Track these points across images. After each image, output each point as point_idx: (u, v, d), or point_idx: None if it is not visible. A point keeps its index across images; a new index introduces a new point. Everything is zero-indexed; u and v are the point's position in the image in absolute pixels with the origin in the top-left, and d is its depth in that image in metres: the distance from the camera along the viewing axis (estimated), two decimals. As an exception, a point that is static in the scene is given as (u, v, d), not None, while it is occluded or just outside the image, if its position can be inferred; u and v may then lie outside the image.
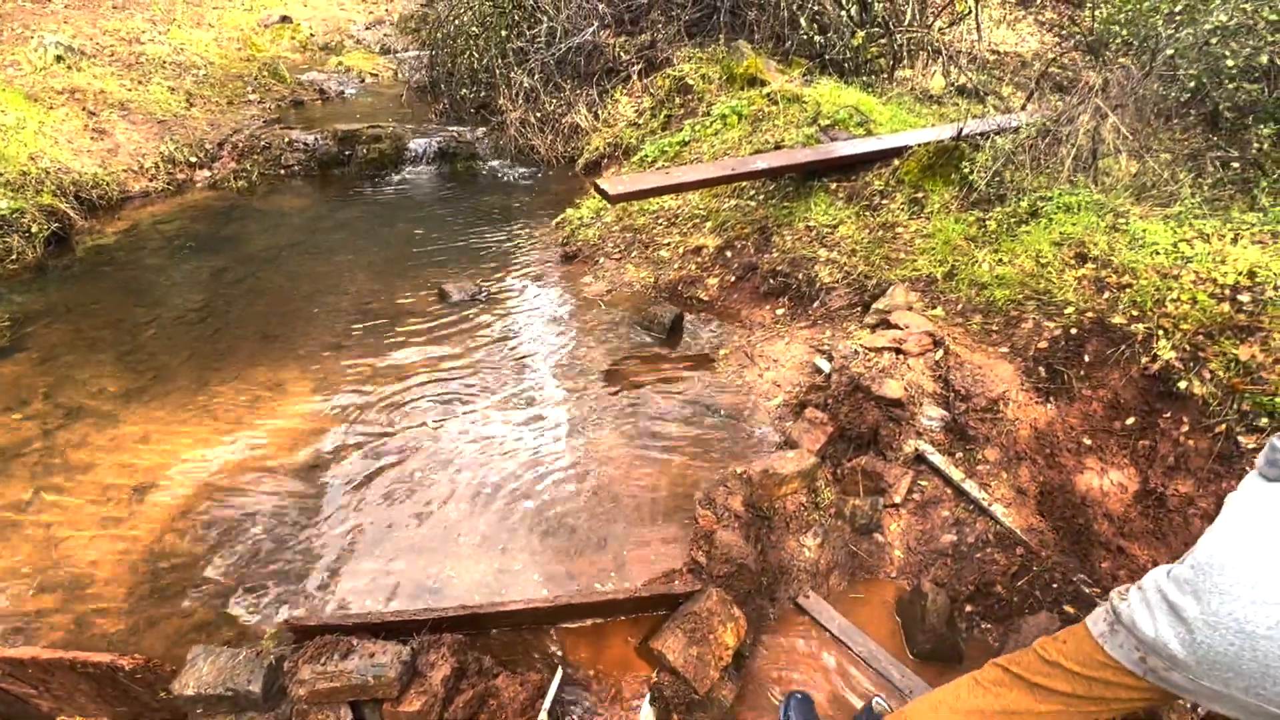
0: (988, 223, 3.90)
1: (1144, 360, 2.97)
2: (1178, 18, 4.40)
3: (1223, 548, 1.38)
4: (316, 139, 6.83)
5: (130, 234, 5.52)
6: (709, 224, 4.96)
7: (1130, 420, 2.92)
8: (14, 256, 4.86)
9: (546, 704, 2.05)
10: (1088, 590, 2.62)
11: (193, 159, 6.54)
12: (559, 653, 2.34)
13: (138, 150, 6.36)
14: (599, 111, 7.03)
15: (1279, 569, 1.31)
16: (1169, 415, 2.81)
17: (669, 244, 4.94)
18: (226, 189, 6.42)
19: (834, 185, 4.73)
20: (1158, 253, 3.33)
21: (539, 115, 7.13)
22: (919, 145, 4.54)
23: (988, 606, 2.67)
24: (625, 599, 2.41)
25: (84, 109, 6.41)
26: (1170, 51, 4.24)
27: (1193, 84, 4.21)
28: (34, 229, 5.00)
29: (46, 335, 4.20)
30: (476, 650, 2.23)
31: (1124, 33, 4.65)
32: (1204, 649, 1.36)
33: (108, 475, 3.22)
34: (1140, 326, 3.05)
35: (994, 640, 2.58)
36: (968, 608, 2.68)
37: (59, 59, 6.87)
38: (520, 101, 7.18)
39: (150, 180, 6.22)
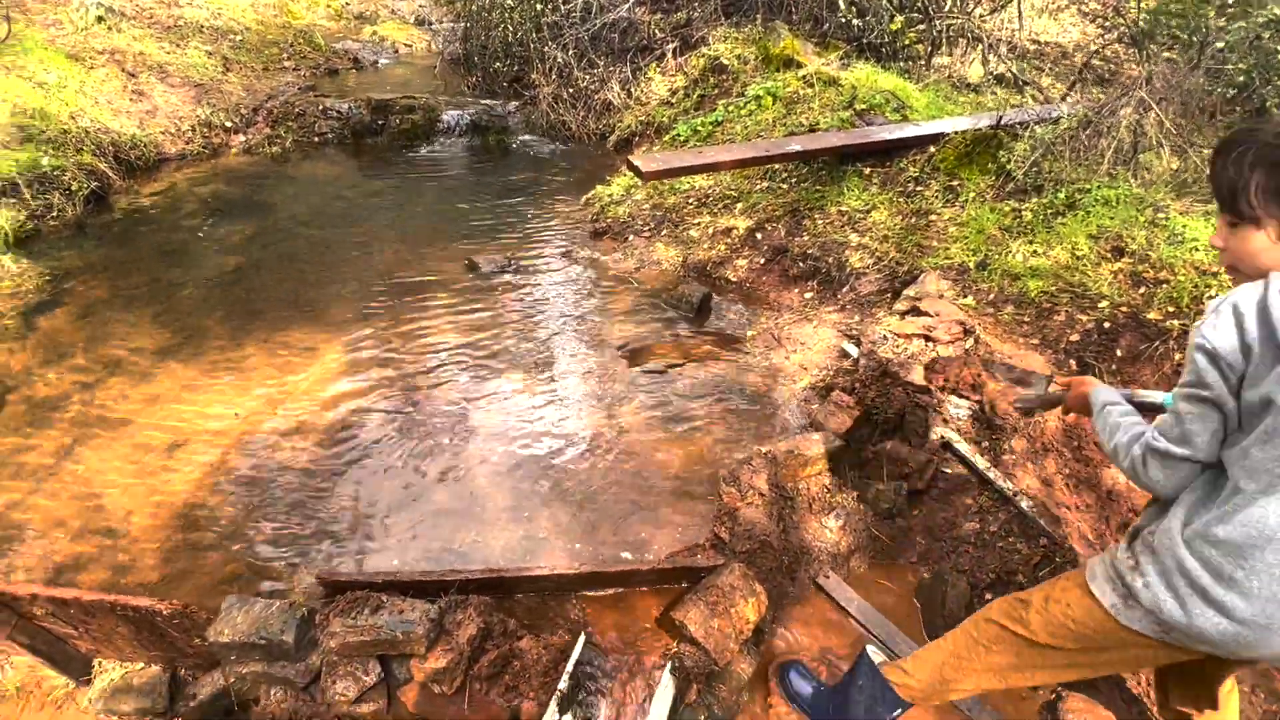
0: (1024, 213, 3.86)
1: (1178, 357, 2.95)
2: (1229, 10, 4.30)
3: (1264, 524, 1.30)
4: (350, 108, 6.86)
5: (166, 195, 5.59)
6: (740, 205, 4.94)
7: (1161, 416, 2.89)
8: (55, 213, 4.94)
9: (569, 667, 2.09)
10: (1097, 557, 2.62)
11: (228, 124, 6.60)
12: (581, 619, 2.37)
13: (175, 113, 6.42)
14: (632, 89, 7.00)
15: None
16: (1201, 413, 2.78)
17: (699, 224, 4.93)
18: (260, 154, 6.47)
19: (868, 170, 4.70)
20: (1197, 249, 3.29)
21: (571, 91, 7.11)
22: (956, 133, 4.49)
23: (1006, 593, 2.67)
24: (648, 570, 2.44)
25: (123, 70, 6.48)
26: (1221, 45, 4.16)
27: (1241, 79, 4.13)
28: (74, 187, 5.08)
29: (85, 291, 4.28)
30: (501, 613, 2.27)
31: (1173, 24, 4.55)
32: (1248, 637, 1.33)
33: (143, 430, 3.29)
34: (1176, 323, 3.02)
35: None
36: (988, 595, 2.69)
37: (100, 19, 6.93)
38: (553, 77, 7.16)
39: (186, 143, 6.29)
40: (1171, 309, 3.08)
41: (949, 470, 2.99)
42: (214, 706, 2.19)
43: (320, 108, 6.85)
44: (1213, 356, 1.29)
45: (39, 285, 4.28)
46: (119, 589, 2.53)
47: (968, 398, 3.05)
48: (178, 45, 7.25)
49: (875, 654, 2.16)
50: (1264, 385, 1.25)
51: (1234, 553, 1.32)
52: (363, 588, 2.20)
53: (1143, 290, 3.22)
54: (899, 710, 1.99)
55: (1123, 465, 1.51)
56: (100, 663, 2.33)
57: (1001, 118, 4.43)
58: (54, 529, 2.82)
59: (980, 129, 4.45)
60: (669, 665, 2.13)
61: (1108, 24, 8.66)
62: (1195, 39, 4.45)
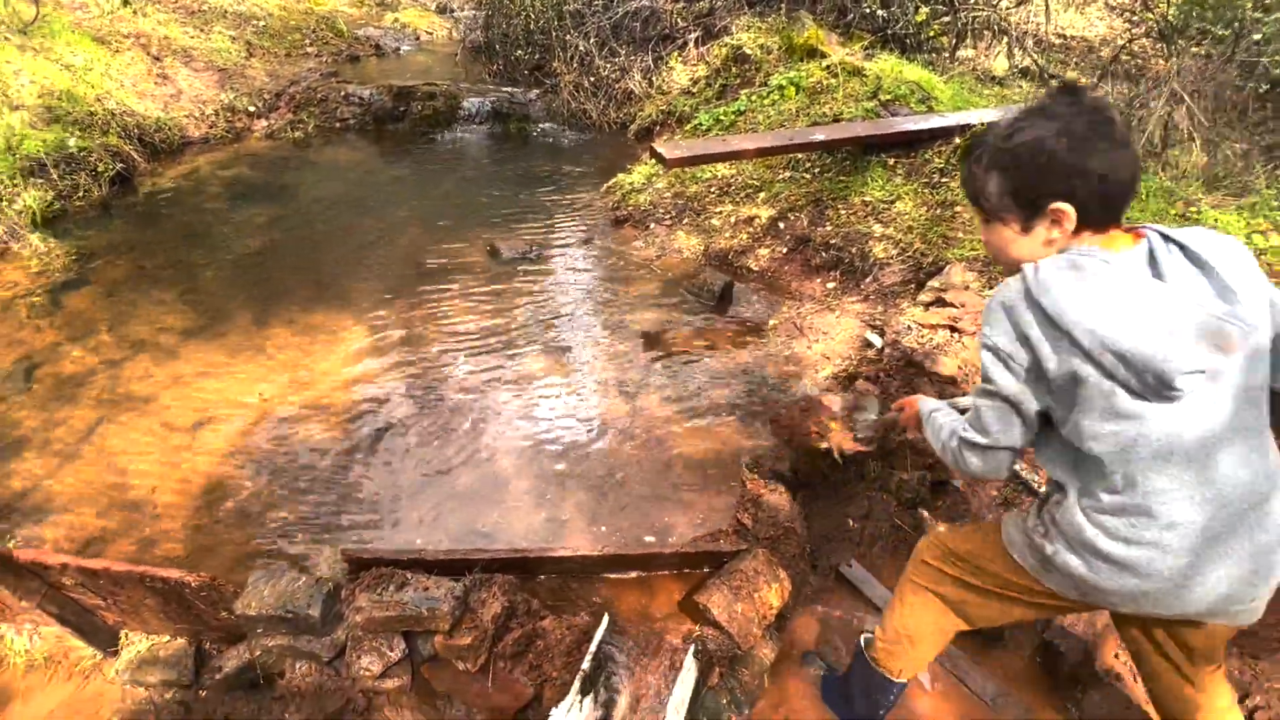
0: (1052, 205, 3.82)
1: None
2: (1266, 1, 4.23)
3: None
4: (372, 94, 6.87)
5: (190, 178, 5.63)
6: (762, 195, 4.92)
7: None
8: (81, 194, 4.98)
9: (593, 648, 2.08)
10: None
11: (251, 108, 6.63)
12: (604, 601, 2.37)
13: (199, 97, 6.46)
14: (653, 78, 6.97)
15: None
16: (1232, 407, 2.74)
17: (721, 213, 4.91)
18: (283, 139, 6.50)
19: (892, 161, 4.66)
20: (1230, 243, 3.24)
21: (593, 80, 7.09)
22: (982, 124, 4.44)
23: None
24: (671, 554, 2.44)
25: (149, 54, 6.52)
26: (1258, 37, 4.09)
27: (1278, 71, 4.06)
28: (100, 168, 5.12)
29: (110, 271, 4.32)
30: (525, 593, 2.28)
31: (1209, 16, 4.48)
32: (1153, 592, 1.37)
33: (167, 408, 3.32)
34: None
35: (1036, 621, 2.56)
36: (1011, 587, 2.67)
37: (125, 3, 6.98)
38: (574, 65, 7.14)
39: (210, 127, 6.32)
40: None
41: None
42: (239, 679, 2.20)
43: (342, 94, 6.87)
44: (995, 353, 1.37)
45: (66, 264, 4.32)
46: (146, 562, 2.55)
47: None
48: (202, 30, 7.29)
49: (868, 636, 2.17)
50: (1062, 362, 1.29)
51: (1122, 514, 1.35)
52: (388, 564, 2.21)
53: (1173, 284, 3.18)
54: (894, 692, 2.00)
55: (946, 459, 1.59)
56: (127, 634, 2.35)
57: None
58: (81, 503, 2.85)
59: (1007, 120, 4.40)
60: (692, 648, 2.12)
61: (1135, 18, 8.56)
62: (1230, 31, 4.38)
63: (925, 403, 1.80)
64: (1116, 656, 2.31)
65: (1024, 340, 1.33)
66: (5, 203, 4.50)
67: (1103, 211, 1.33)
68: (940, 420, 1.66)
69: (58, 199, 4.83)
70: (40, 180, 4.78)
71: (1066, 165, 1.30)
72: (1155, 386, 1.24)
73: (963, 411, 1.70)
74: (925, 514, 2.81)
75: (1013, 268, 1.41)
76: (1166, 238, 1.34)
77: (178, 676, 2.23)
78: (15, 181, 4.64)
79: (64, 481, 2.94)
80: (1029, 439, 1.44)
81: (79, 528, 2.74)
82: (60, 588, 2.18)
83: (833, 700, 2.23)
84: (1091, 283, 1.27)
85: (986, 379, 1.41)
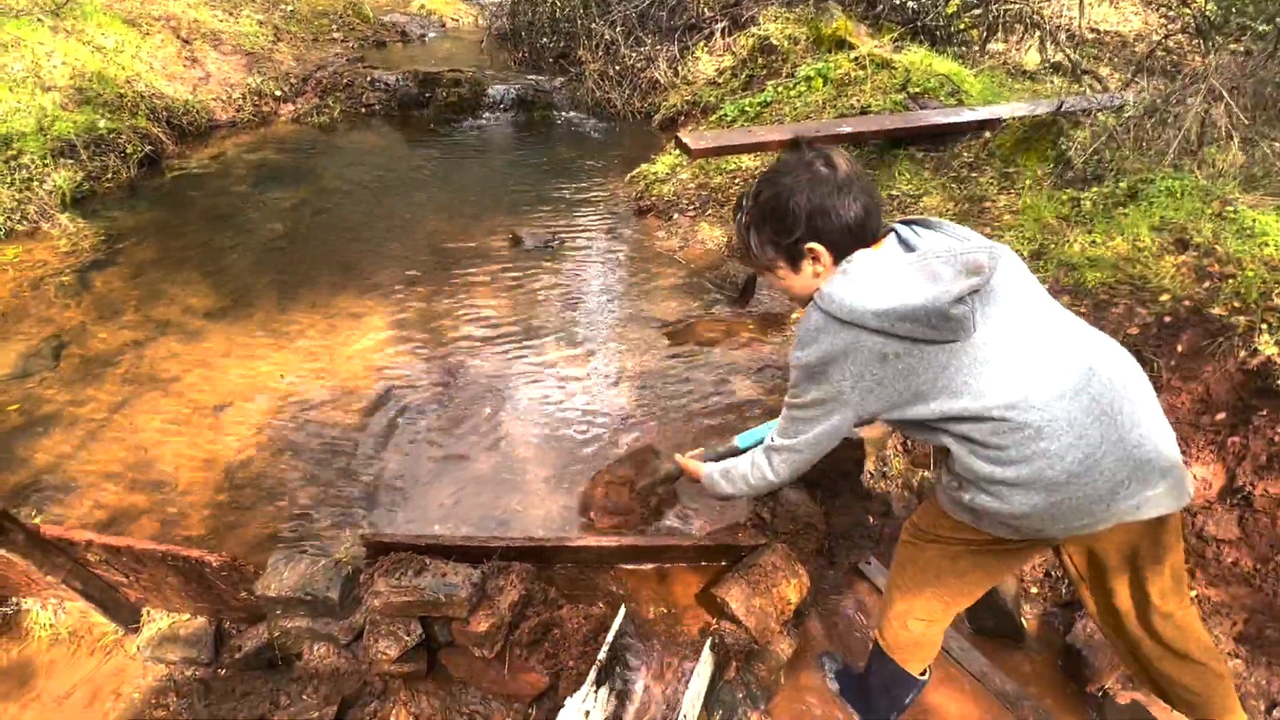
0: (1083, 202, 3.75)
1: (1242, 354, 2.85)
2: (1311, -3, 4.12)
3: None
4: (398, 80, 6.88)
5: (217, 161, 5.67)
6: (787, 187, 4.87)
7: (1221, 415, 2.81)
8: (110, 175, 5.03)
9: (609, 638, 2.08)
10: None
11: (278, 92, 6.66)
12: (621, 592, 2.37)
13: (226, 80, 6.50)
14: (679, 68, 6.92)
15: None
16: (1266, 413, 2.69)
17: (744, 205, 4.87)
18: (309, 124, 6.53)
19: (920, 155, 4.60)
20: (1267, 244, 3.17)
21: (618, 68, 7.05)
22: (1013, 118, 4.38)
23: (1054, 590, 2.62)
24: (689, 546, 2.43)
25: (178, 36, 6.57)
26: (1301, 31, 3.98)
27: (1321, 68, 3.95)
28: (129, 150, 5.17)
29: (137, 252, 4.36)
30: (542, 581, 2.27)
31: (1249, 11, 4.37)
32: (1060, 505, 1.44)
33: (192, 389, 3.34)
34: (1242, 319, 2.91)
35: (1058, 623, 2.53)
36: (1033, 589, 2.64)
37: (156, -14, 7.02)
38: (600, 53, 7.11)
39: (237, 111, 6.36)
40: (1238, 304, 2.97)
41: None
42: (258, 659, 2.22)
43: (368, 79, 6.88)
44: (808, 369, 1.52)
45: (94, 244, 4.36)
46: (168, 540, 2.58)
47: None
48: (231, 14, 7.33)
49: None
50: (870, 352, 1.44)
51: (996, 442, 1.43)
52: (406, 549, 2.21)
53: (1207, 284, 3.11)
54: (914, 689, 1.99)
55: (746, 488, 1.83)
56: (148, 612, 2.38)
57: (1063, 103, 4.31)
58: (105, 481, 2.88)
59: (1039, 115, 4.33)
60: (709, 641, 2.11)
61: (1172, 13, 8.38)
62: (1272, 27, 4.27)
63: (706, 467, 2.01)
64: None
65: (831, 351, 1.47)
66: (36, 183, 4.55)
67: (851, 240, 1.51)
68: (724, 467, 1.91)
69: (87, 180, 4.88)
70: (70, 161, 4.83)
71: (804, 211, 1.50)
72: (942, 325, 1.38)
73: (724, 457, 2.06)
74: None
75: (804, 301, 1.59)
76: (907, 222, 1.57)
77: (198, 654, 2.26)
78: (46, 162, 4.70)
79: (89, 459, 2.97)
80: (829, 448, 1.63)
81: (103, 505, 2.78)
82: (85, 564, 2.20)
83: (852, 698, 2.21)
84: (859, 276, 1.45)
85: (800, 391, 1.57)
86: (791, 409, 1.62)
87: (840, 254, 1.52)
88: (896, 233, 1.55)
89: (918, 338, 1.40)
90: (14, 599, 2.41)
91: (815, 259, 1.55)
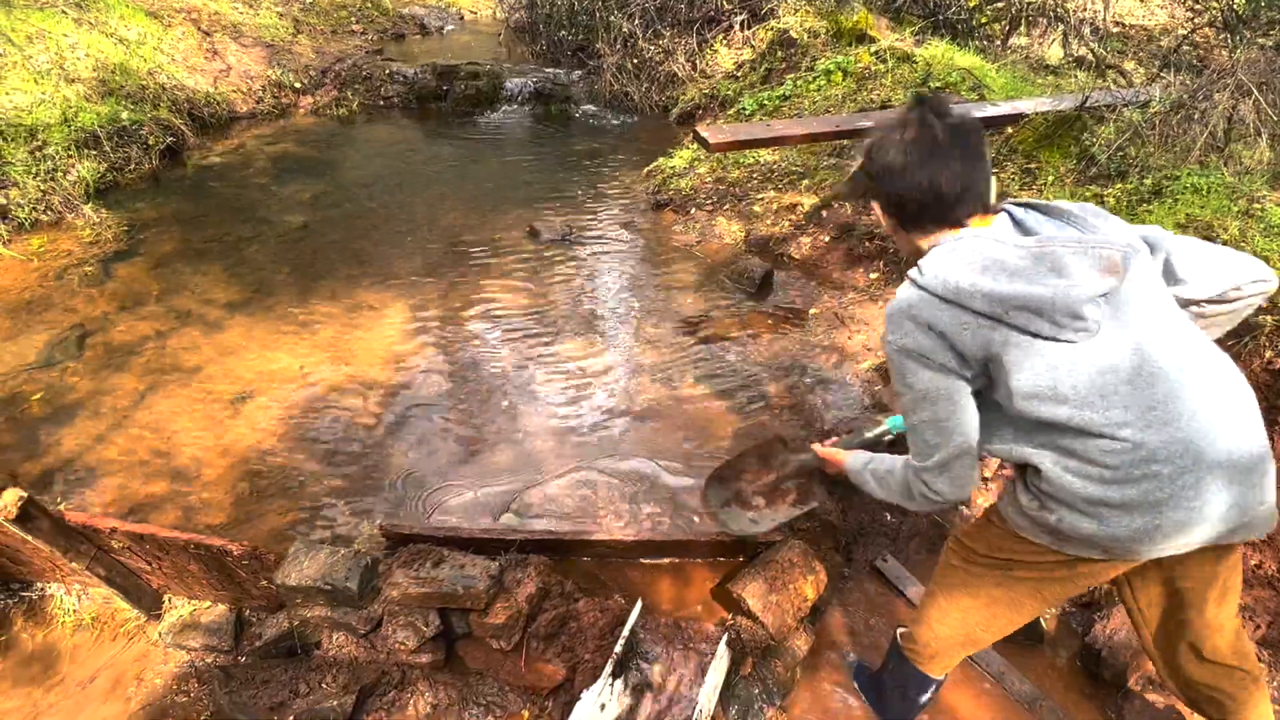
0: (1106, 199, 3.70)
1: (1269, 354, 2.81)
2: (1344, -10, 4.04)
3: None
4: (416, 72, 6.90)
5: (237, 153, 5.71)
6: (805, 182, 4.85)
7: (1246, 415, 2.77)
8: (132, 166, 5.08)
9: (626, 631, 2.08)
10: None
11: (297, 85, 6.69)
12: (638, 586, 2.37)
13: (247, 72, 6.54)
14: (697, 61, 6.89)
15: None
16: (1292, 413, 2.65)
17: (763, 199, 4.85)
18: (327, 116, 6.56)
19: (941, 150, 4.55)
20: (1295, 241, 3.12)
21: (636, 62, 7.03)
22: (1036, 114, 4.32)
23: (1074, 590, 2.59)
24: (705, 541, 2.43)
25: (199, 29, 6.61)
26: (1333, 27, 3.91)
27: (1353, 64, 3.88)
28: (151, 141, 5.22)
29: (159, 243, 4.40)
30: (560, 574, 2.28)
31: (1279, 5, 4.29)
32: (1158, 527, 1.34)
33: (213, 379, 3.38)
34: (1269, 319, 2.87)
35: (1076, 624, 2.51)
36: (1052, 589, 2.61)
37: (178, -22, 7.06)
38: (618, 46, 7.08)
39: (257, 103, 6.40)
40: (1264, 304, 2.92)
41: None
42: (278, 647, 2.24)
43: (386, 72, 6.91)
44: (907, 353, 1.40)
45: (117, 235, 4.41)
46: (189, 529, 2.60)
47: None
48: (251, 6, 7.37)
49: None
50: (975, 335, 1.33)
51: (1102, 458, 1.33)
52: (425, 540, 2.23)
53: (1233, 283, 3.07)
54: (930, 691, 1.97)
55: (909, 503, 1.61)
56: (170, 599, 2.41)
57: (1087, 99, 4.25)
58: (127, 469, 2.92)
59: (1062, 110, 4.27)
60: (725, 636, 2.11)
61: (1198, 7, 8.25)
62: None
63: (852, 459, 1.84)
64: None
65: (930, 330, 1.36)
66: (61, 174, 4.60)
67: (941, 208, 1.42)
68: (882, 466, 1.70)
69: (110, 171, 4.93)
70: (93, 152, 4.88)
71: (894, 167, 1.43)
72: (1067, 323, 1.28)
73: (888, 446, 1.78)
74: (963, 509, 2.77)
75: (911, 261, 1.48)
76: (1022, 204, 1.46)
77: (218, 642, 2.28)
78: (70, 153, 4.74)
79: (112, 448, 3.01)
80: (974, 429, 1.44)
81: (125, 493, 2.81)
82: (109, 551, 2.23)
83: (869, 694, 2.21)
84: (969, 253, 1.35)
85: (906, 385, 1.43)
86: (910, 418, 1.48)
87: (928, 221, 1.45)
88: (1010, 214, 1.44)
89: (1032, 330, 1.29)
90: (39, 584, 2.44)
91: (906, 221, 1.48)
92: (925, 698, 2.00)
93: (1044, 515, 1.43)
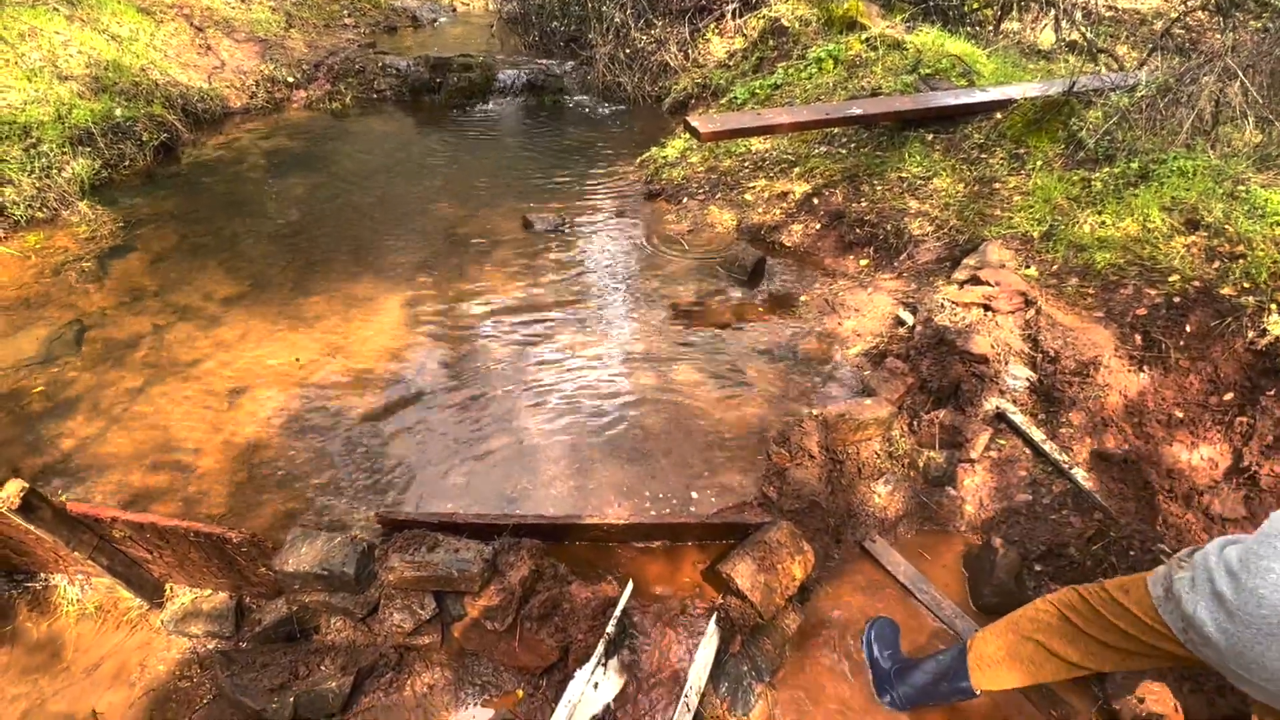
0: (1093, 183, 3.74)
1: (1251, 334, 2.85)
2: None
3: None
4: (409, 65, 6.91)
5: (231, 148, 5.73)
6: (797, 170, 4.87)
7: (1229, 395, 2.81)
8: (127, 163, 5.11)
9: (617, 613, 2.13)
10: (1166, 560, 2.57)
11: (290, 79, 6.71)
12: (629, 569, 2.42)
13: (240, 67, 6.55)
14: (689, 51, 6.91)
15: None
16: (1273, 393, 2.69)
17: (754, 188, 4.88)
18: (321, 109, 6.58)
19: (930, 136, 4.59)
20: (1279, 224, 3.16)
21: (628, 52, 7.05)
22: (1024, 99, 4.35)
23: (1058, 567, 2.64)
24: (696, 524, 2.47)
25: (192, 25, 6.62)
26: (1318, 9, 3.93)
27: (1338, 46, 3.91)
28: (145, 137, 5.24)
29: (155, 238, 4.43)
30: (552, 558, 2.33)
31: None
32: (1234, 639, 1.38)
33: (211, 372, 3.41)
34: (1251, 299, 2.91)
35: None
36: (1037, 567, 2.66)
37: (169, -26, 7.06)
38: (610, 37, 7.10)
39: (250, 97, 6.42)
40: (1247, 285, 2.96)
41: (1003, 441, 2.96)
42: (277, 632, 2.29)
43: (379, 65, 6.92)
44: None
45: (113, 231, 4.44)
46: (189, 519, 2.65)
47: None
48: (243, 1, 7.36)
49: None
50: None
51: (1241, 557, 1.39)
52: (420, 526, 2.27)
53: (1217, 265, 3.10)
54: (960, 696, 2.03)
55: None
56: (172, 587, 2.46)
57: (1075, 83, 4.28)
58: (127, 461, 2.96)
59: (1051, 95, 4.30)
60: (714, 616, 2.16)
61: (1191, -11, 8.24)
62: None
63: None
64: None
65: None
66: (56, 171, 4.63)
67: None
68: None
69: (105, 167, 4.96)
70: (88, 149, 4.91)
71: None
72: None
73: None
74: (950, 491, 2.81)
75: None
76: None
77: (220, 628, 2.33)
78: (65, 150, 4.77)
79: (112, 441, 3.05)
80: None
81: (126, 485, 2.85)
82: (110, 540, 2.27)
83: (882, 664, 2.25)
84: None
85: None
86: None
87: None
88: None
89: None
90: (43, 575, 2.49)
91: None
92: (951, 695, 2.05)
93: (1176, 570, 1.53)
